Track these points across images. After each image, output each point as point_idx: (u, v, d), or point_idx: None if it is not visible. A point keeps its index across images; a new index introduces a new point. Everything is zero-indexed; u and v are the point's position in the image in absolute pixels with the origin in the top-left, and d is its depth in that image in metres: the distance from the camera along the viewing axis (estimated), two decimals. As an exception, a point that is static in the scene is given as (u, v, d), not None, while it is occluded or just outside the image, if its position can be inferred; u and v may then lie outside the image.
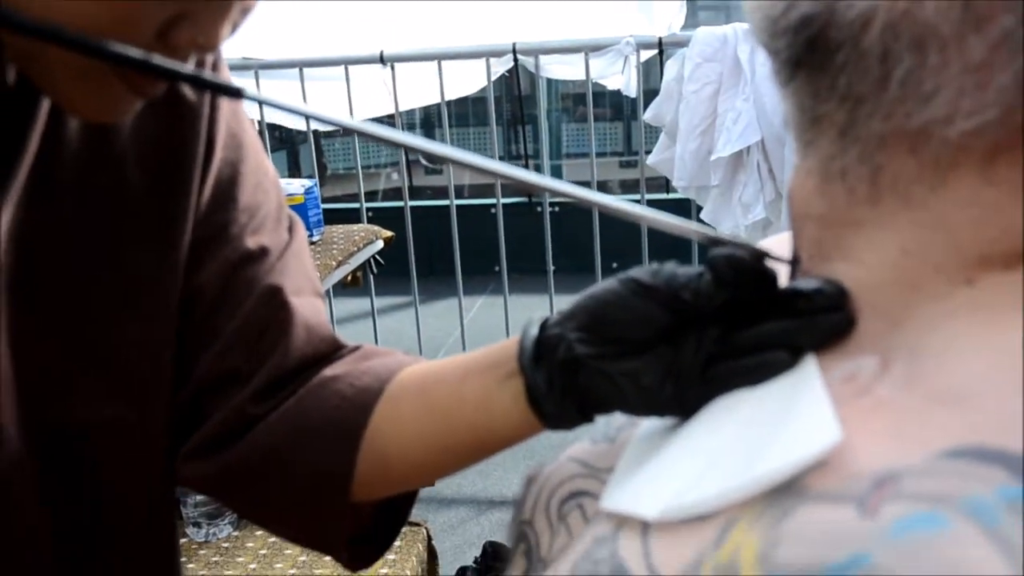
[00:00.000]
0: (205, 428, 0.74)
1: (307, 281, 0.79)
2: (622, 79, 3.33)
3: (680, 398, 0.55)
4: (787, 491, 0.43)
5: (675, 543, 0.45)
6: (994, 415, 0.40)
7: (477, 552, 2.61)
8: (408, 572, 1.93)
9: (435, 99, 3.49)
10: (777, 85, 0.53)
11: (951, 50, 0.45)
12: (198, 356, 0.75)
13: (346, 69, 3.31)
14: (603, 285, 0.58)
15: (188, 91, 0.72)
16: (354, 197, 4.18)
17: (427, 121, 8.65)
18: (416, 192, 3.73)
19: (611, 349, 0.57)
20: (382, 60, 3.23)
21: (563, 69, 3.61)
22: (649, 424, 0.59)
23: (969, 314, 0.46)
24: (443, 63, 3.35)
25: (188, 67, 0.57)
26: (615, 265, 3.32)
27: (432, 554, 2.11)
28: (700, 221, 3.32)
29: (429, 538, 2.13)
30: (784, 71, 0.51)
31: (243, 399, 0.74)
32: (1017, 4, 0.43)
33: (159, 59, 0.55)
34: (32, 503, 0.68)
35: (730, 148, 2.99)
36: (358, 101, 3.44)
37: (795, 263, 0.55)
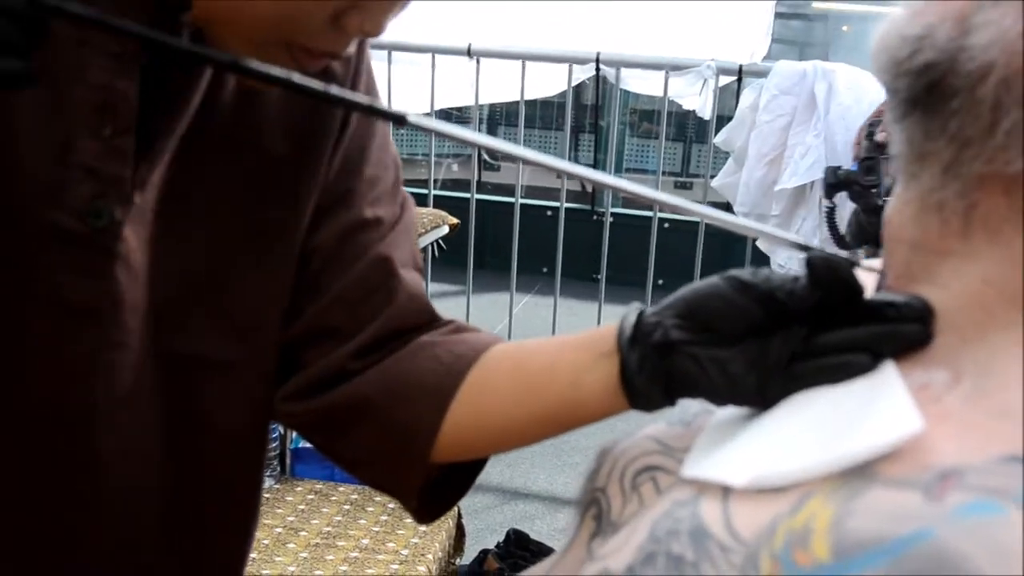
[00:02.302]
0: (305, 373, 0.79)
1: (411, 255, 0.84)
2: (698, 100, 3.37)
3: (762, 389, 0.59)
4: (861, 473, 0.48)
5: (753, 509, 0.50)
6: None
7: (500, 538, 2.65)
8: (437, 545, 1.99)
9: (514, 97, 3.54)
10: (891, 121, 0.57)
11: None
12: (303, 308, 0.79)
13: (433, 57, 3.37)
14: (704, 281, 0.63)
15: (336, 66, 0.77)
16: (416, 183, 4.21)
17: (491, 117, 8.57)
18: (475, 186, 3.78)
19: (704, 337, 0.62)
20: (469, 53, 3.29)
21: (641, 84, 3.65)
22: (724, 413, 0.63)
23: None
24: (527, 63, 3.40)
25: (361, 97, 0.60)
26: (660, 282, 3.33)
27: (460, 532, 2.17)
28: (755, 249, 3.35)
29: (460, 517, 2.18)
30: (900, 108, 0.56)
31: (345, 353, 0.78)
32: None
33: (336, 89, 0.59)
34: (148, 424, 0.74)
35: (795, 181, 3.02)
36: (440, 89, 3.49)
37: (882, 277, 0.60)
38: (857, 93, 3.02)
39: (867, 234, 1.96)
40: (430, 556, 1.94)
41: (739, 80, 3.28)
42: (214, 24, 0.65)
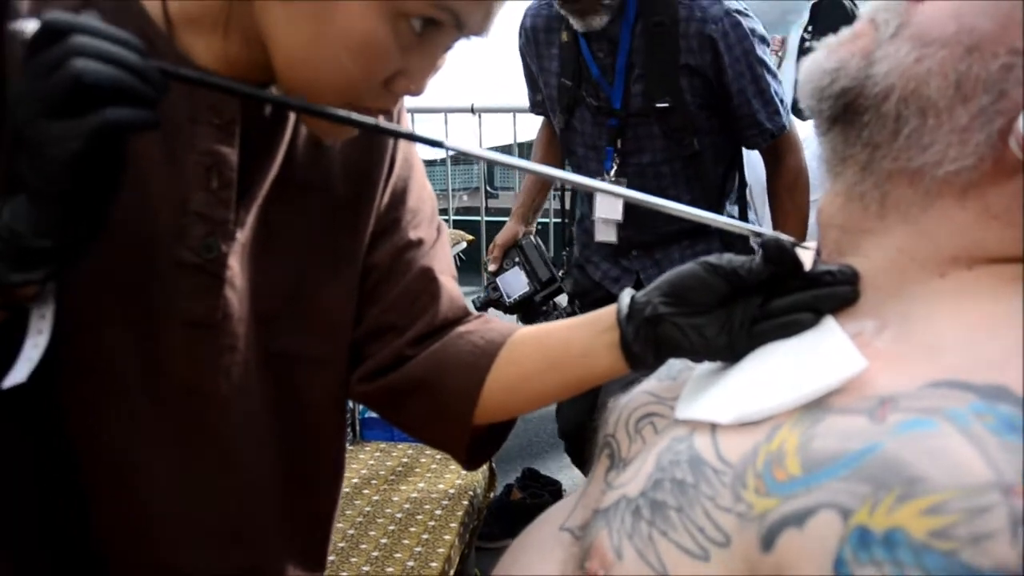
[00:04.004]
0: (373, 360, 0.79)
1: (448, 266, 0.84)
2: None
3: (731, 346, 0.59)
4: (817, 406, 0.48)
5: (737, 439, 0.50)
6: (960, 360, 0.45)
7: (518, 474, 2.65)
8: (476, 484, 1.99)
9: (509, 141, 3.53)
10: (817, 135, 0.57)
11: (943, 116, 0.49)
12: (366, 313, 0.79)
13: (445, 116, 3.37)
14: (682, 266, 0.63)
15: (383, 118, 0.77)
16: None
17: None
18: (478, 211, 3.78)
19: (684, 310, 0.62)
20: (472, 111, 3.28)
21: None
22: (702, 367, 0.63)
23: (942, 295, 0.51)
24: (517, 115, 3.39)
25: (406, 128, 0.62)
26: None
27: (492, 473, 2.16)
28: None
29: (491, 462, 2.17)
30: (824, 125, 0.56)
31: (402, 343, 0.78)
32: (993, 88, 0.48)
33: (383, 121, 0.60)
34: (260, 409, 0.73)
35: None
36: (451, 139, 3.48)
37: (818, 254, 0.60)
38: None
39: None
40: (471, 492, 1.94)
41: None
42: (293, 94, 0.64)
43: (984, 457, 0.38)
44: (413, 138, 0.61)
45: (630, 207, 1.82)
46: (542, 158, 2.08)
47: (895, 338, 0.50)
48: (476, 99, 3.21)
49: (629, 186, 1.74)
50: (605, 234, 1.89)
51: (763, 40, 1.69)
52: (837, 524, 0.40)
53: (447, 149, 0.59)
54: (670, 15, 1.65)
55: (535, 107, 2.06)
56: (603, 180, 1.85)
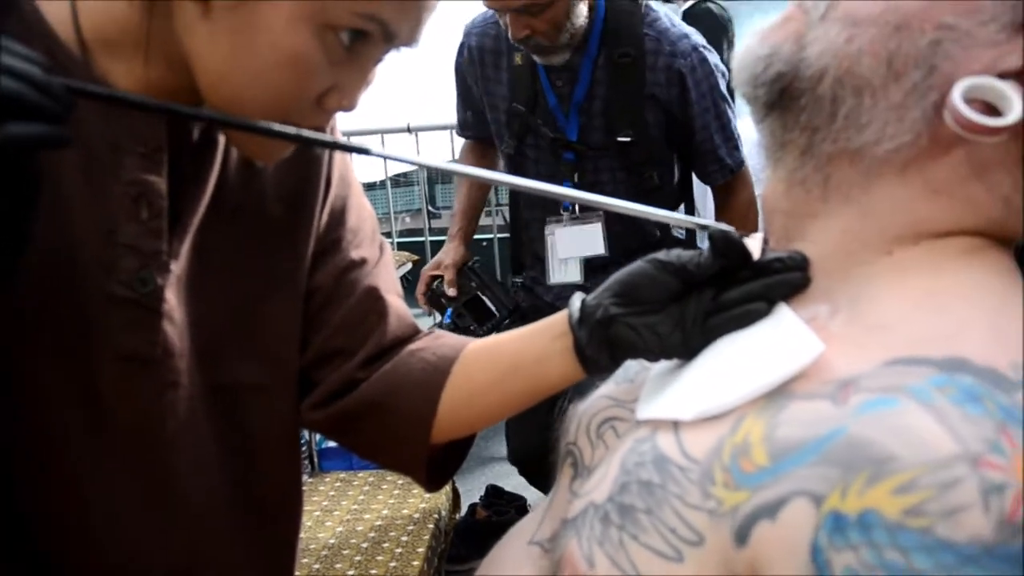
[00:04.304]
0: (323, 387, 0.76)
1: (393, 284, 0.82)
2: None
3: (686, 342, 0.58)
4: (779, 394, 0.47)
5: (701, 435, 0.49)
6: (916, 336, 0.45)
7: (481, 493, 2.61)
8: (440, 507, 1.96)
9: (448, 159, 3.50)
10: (755, 123, 0.57)
11: (879, 95, 0.49)
12: (311, 338, 0.76)
13: (382, 137, 3.33)
14: (631, 265, 0.62)
15: None
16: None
17: (430, 178, 8.48)
18: (421, 232, 3.74)
19: (636, 309, 0.60)
20: (408, 130, 3.25)
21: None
22: (659, 367, 0.62)
23: (889, 273, 0.51)
24: (453, 132, 3.36)
25: (328, 136, 0.60)
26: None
27: (456, 494, 2.13)
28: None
29: (454, 483, 2.15)
30: (761, 112, 0.55)
31: (352, 366, 0.76)
32: (923, 64, 0.48)
33: (308, 132, 0.58)
34: (207, 441, 0.70)
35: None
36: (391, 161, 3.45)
37: (765, 243, 0.59)
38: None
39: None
40: (436, 515, 1.91)
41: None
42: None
43: (949, 430, 0.38)
44: (339, 147, 0.59)
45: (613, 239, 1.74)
46: (470, 185, 1.98)
47: (849, 320, 0.50)
48: (412, 119, 3.18)
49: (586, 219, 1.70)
50: (563, 274, 1.81)
51: (723, 75, 1.68)
52: (810, 511, 0.39)
53: (375, 156, 0.58)
54: (636, 46, 1.62)
55: (464, 128, 1.97)
56: (561, 217, 1.78)
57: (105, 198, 0.62)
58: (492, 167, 1.97)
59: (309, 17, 0.56)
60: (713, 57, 1.65)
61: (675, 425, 0.51)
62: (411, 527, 1.85)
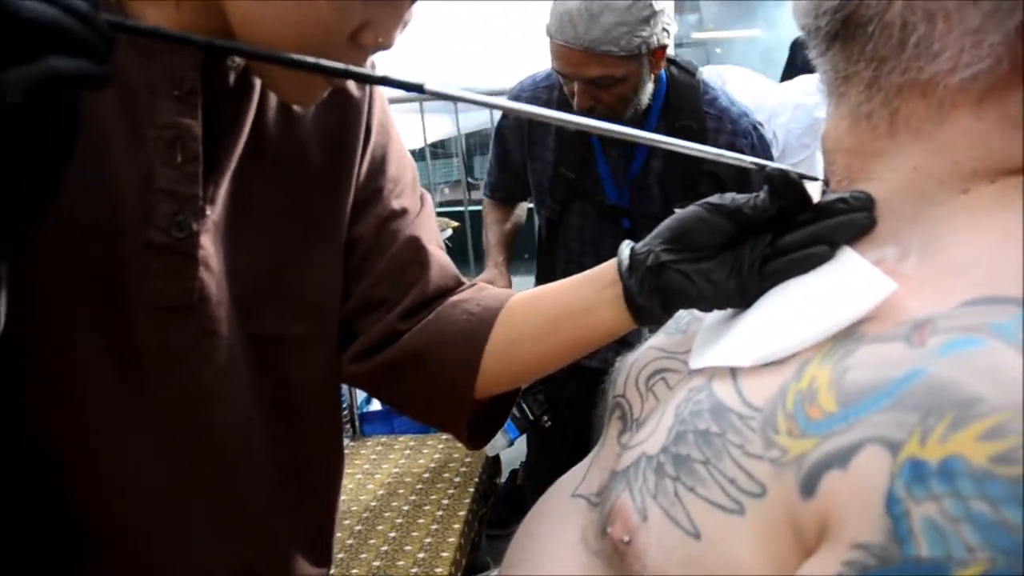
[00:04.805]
0: (364, 338, 0.75)
1: (435, 235, 0.80)
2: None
3: (742, 289, 0.55)
4: (847, 336, 0.44)
5: (761, 381, 0.46)
6: (992, 276, 0.42)
7: (522, 458, 2.60)
8: (480, 469, 1.96)
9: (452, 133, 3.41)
10: (816, 56, 0.53)
11: (954, 19, 0.45)
12: (352, 288, 0.75)
13: (421, 105, 3.28)
14: (683, 210, 0.59)
15: (354, 89, 0.73)
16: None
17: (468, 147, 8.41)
18: (460, 203, 3.69)
19: (688, 255, 0.58)
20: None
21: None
22: (712, 317, 0.60)
23: (964, 213, 0.47)
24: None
25: (376, 72, 0.58)
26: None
27: (496, 459, 2.13)
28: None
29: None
30: (823, 44, 0.51)
31: (393, 317, 0.74)
32: None
33: (354, 67, 0.55)
34: (246, 394, 0.69)
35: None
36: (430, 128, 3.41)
37: (826, 184, 0.56)
38: (743, 85, 2.99)
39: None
40: (476, 479, 1.90)
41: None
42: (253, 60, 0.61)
43: None
44: (388, 82, 0.56)
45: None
46: (496, 220, 1.91)
47: (921, 262, 0.46)
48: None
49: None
50: None
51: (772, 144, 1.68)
52: (885, 459, 0.36)
53: (429, 93, 0.55)
54: (698, 120, 1.60)
55: (494, 190, 1.90)
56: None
57: (141, 142, 0.61)
58: (513, 225, 1.93)
59: None
60: (768, 133, 1.66)
61: (733, 372, 0.49)
62: (452, 491, 1.85)
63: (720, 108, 1.61)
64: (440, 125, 3.50)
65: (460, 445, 1.94)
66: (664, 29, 1.48)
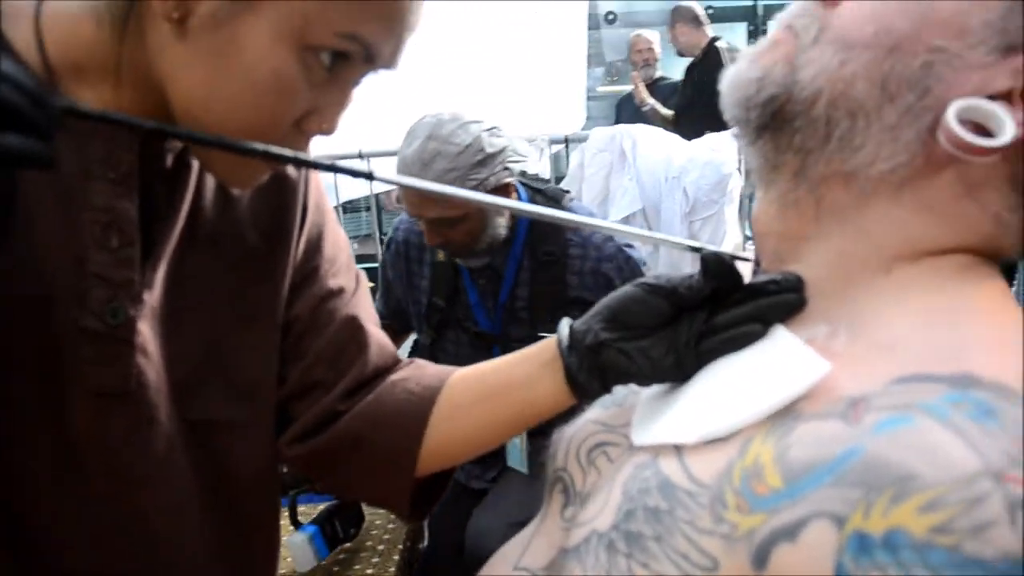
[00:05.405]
0: (303, 420, 0.74)
1: (371, 314, 0.80)
2: (539, 165, 3.39)
3: (680, 365, 0.58)
4: (786, 414, 0.47)
5: (706, 458, 0.48)
6: (920, 354, 0.45)
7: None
8: (403, 536, 1.92)
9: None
10: (744, 145, 0.57)
11: (872, 116, 0.50)
12: (289, 370, 0.74)
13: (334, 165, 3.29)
14: (620, 290, 0.61)
15: (290, 170, 0.73)
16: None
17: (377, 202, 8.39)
18: (372, 258, 3.70)
19: (627, 334, 0.60)
20: (360, 156, 3.23)
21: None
22: (649, 391, 0.62)
23: (889, 293, 0.51)
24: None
25: (324, 159, 0.59)
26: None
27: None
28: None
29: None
30: (753, 134, 0.55)
31: (332, 398, 0.74)
32: (917, 86, 0.49)
33: (303, 154, 0.57)
34: (184, 481, 0.68)
35: (621, 214, 3.07)
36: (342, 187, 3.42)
37: (757, 265, 0.59)
38: (653, 144, 3.11)
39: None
40: (400, 546, 1.87)
41: (566, 146, 3.32)
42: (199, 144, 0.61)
43: (969, 446, 0.38)
44: (339, 170, 0.57)
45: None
46: None
47: (850, 340, 0.50)
48: (363, 144, 3.15)
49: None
50: None
51: (644, 264, 1.71)
52: (831, 532, 0.39)
53: (376, 181, 0.56)
54: (560, 248, 1.65)
55: (382, 318, 1.92)
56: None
57: (75, 226, 0.60)
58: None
59: (291, 38, 0.54)
60: (636, 254, 1.69)
61: (678, 449, 0.51)
62: (376, 559, 1.81)
63: (583, 235, 1.66)
64: (353, 185, 3.51)
65: (382, 512, 1.92)
66: (506, 168, 1.53)
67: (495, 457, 1.82)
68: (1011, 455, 0.37)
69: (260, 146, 0.54)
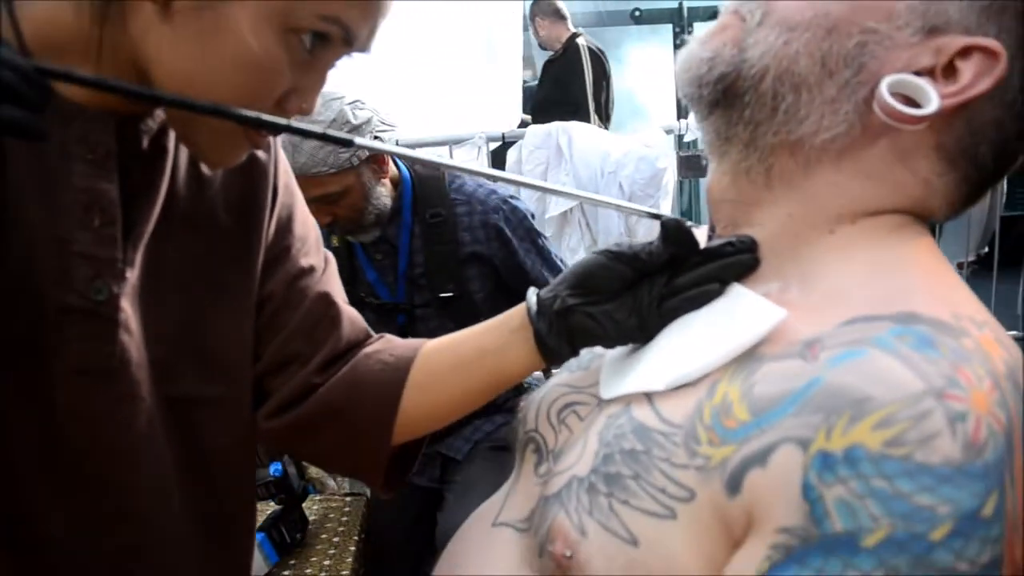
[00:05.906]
0: (279, 395, 0.76)
1: (341, 292, 0.83)
2: (477, 164, 3.43)
3: (643, 326, 0.62)
4: (749, 358, 0.52)
5: (676, 402, 0.53)
6: (866, 299, 0.51)
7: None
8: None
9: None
10: (698, 120, 0.62)
11: (815, 90, 0.55)
12: (265, 346, 0.76)
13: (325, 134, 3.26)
14: (584, 258, 0.65)
15: (260, 152, 0.75)
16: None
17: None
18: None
19: (592, 298, 0.64)
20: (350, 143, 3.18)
21: (434, 158, 3.65)
22: (613, 353, 0.66)
23: (834, 250, 0.56)
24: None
25: (314, 127, 0.61)
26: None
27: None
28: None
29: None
30: (704, 110, 0.60)
31: (309, 371, 0.76)
32: (853, 63, 0.54)
33: (299, 124, 0.59)
34: (164, 456, 0.69)
35: (559, 209, 3.13)
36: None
37: (712, 231, 0.64)
38: (588, 141, 3.18)
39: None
40: (356, 537, 1.89)
41: (503, 144, 3.36)
42: (179, 120, 0.62)
43: (914, 371, 0.43)
44: (325, 138, 0.60)
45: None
46: None
47: (802, 293, 0.55)
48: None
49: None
50: None
51: (531, 215, 1.77)
52: (798, 455, 0.43)
53: (360, 148, 0.59)
54: (446, 207, 1.69)
55: None
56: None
57: (57, 207, 0.61)
58: None
59: (274, 20, 0.57)
60: (520, 204, 1.74)
61: (648, 397, 0.55)
62: (332, 551, 1.83)
63: (467, 192, 1.71)
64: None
65: (335, 506, 1.93)
66: (376, 138, 1.56)
67: (432, 460, 1.86)
68: (949, 377, 0.42)
69: (252, 113, 0.56)
